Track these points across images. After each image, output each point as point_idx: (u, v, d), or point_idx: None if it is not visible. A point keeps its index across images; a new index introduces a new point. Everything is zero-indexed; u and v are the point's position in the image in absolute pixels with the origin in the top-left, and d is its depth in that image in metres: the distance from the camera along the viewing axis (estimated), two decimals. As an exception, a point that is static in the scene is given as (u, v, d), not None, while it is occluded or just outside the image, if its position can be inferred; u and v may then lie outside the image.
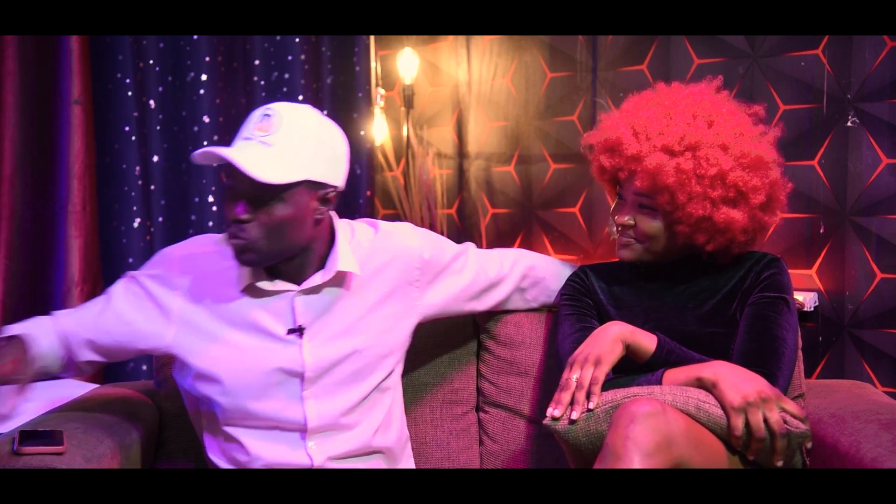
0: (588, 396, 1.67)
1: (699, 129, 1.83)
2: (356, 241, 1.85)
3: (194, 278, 1.80)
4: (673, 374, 1.73)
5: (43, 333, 1.83)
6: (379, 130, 3.47)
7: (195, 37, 3.15)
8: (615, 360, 1.72)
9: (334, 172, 1.74)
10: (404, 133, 3.40)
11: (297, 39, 3.30)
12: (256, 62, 3.27)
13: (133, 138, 3.05)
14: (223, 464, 1.86)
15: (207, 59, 3.17)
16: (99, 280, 2.99)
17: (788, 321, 1.82)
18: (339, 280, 1.82)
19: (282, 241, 1.72)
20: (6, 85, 2.87)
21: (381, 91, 3.48)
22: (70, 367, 1.86)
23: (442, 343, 2.14)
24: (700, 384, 1.69)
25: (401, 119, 3.43)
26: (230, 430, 1.82)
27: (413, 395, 2.10)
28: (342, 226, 1.85)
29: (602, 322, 1.89)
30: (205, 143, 3.17)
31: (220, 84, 3.21)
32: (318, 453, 1.81)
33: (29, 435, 1.71)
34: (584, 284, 1.99)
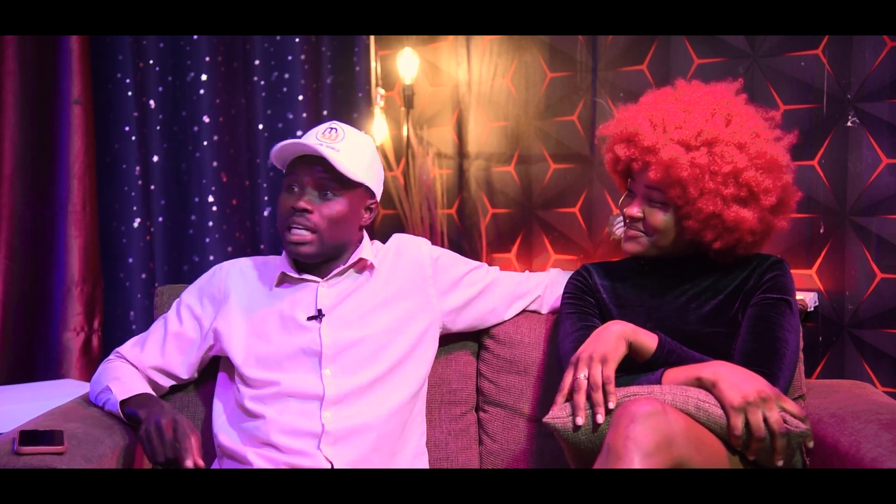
0: (606, 396, 1.67)
1: (717, 126, 1.83)
2: (375, 246, 2.07)
3: (236, 282, 2.02)
4: (673, 374, 1.73)
5: (145, 386, 1.98)
6: (379, 130, 3.47)
7: (195, 37, 3.15)
8: (619, 358, 1.73)
9: (379, 188, 2.00)
10: (404, 133, 3.40)
11: (297, 39, 3.30)
12: (256, 62, 3.27)
13: (133, 138, 3.05)
14: (235, 446, 1.92)
15: (207, 59, 3.17)
16: (99, 280, 2.99)
17: (790, 323, 1.82)
18: (360, 272, 2.01)
19: (336, 235, 1.94)
20: (6, 85, 2.87)
21: (381, 91, 3.48)
22: None
23: (441, 343, 2.14)
24: (700, 384, 1.69)
25: (401, 119, 3.43)
26: (253, 405, 1.91)
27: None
28: (365, 237, 2.06)
29: (604, 321, 1.89)
30: (204, 143, 3.17)
31: (220, 84, 3.21)
32: (331, 421, 1.89)
33: (29, 435, 1.71)
34: (586, 283, 1.99)
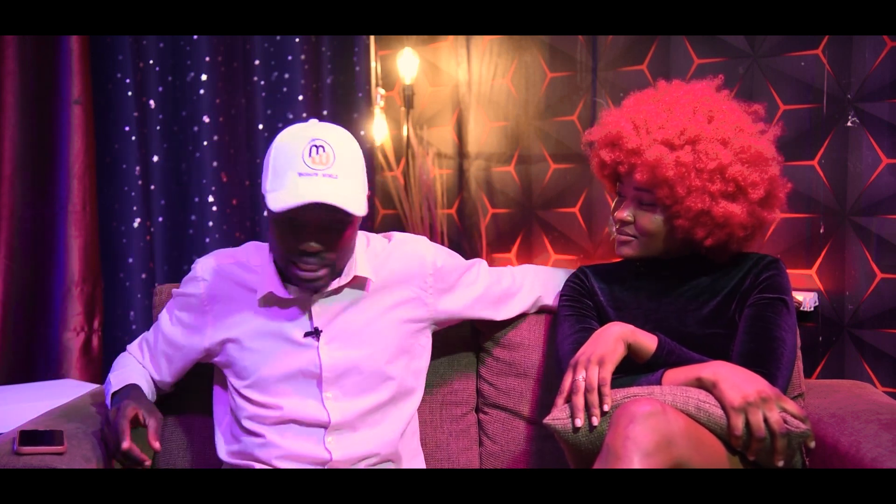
0: (601, 398, 1.67)
1: (699, 124, 1.83)
2: (371, 250, 1.92)
3: (221, 293, 1.90)
4: (673, 375, 1.73)
5: (143, 379, 1.96)
6: (379, 130, 3.47)
7: (195, 37, 3.15)
8: (618, 360, 1.72)
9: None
10: (404, 133, 3.40)
11: (297, 39, 3.30)
12: (256, 62, 3.27)
13: (133, 138, 3.05)
14: (239, 460, 1.90)
15: (207, 59, 3.17)
16: (99, 280, 2.99)
17: (787, 322, 1.82)
18: (355, 285, 1.88)
19: (346, 257, 1.83)
20: (6, 85, 2.87)
21: (381, 91, 3.48)
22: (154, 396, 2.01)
23: (441, 345, 2.14)
24: (700, 384, 1.69)
25: (401, 119, 3.43)
26: (252, 425, 1.87)
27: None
28: (359, 236, 1.91)
29: (602, 323, 1.89)
30: (204, 143, 3.17)
31: (220, 84, 3.21)
32: (337, 448, 1.85)
33: (29, 435, 1.71)
34: (583, 285, 1.99)
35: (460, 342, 2.16)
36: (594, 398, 1.67)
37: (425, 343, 1.98)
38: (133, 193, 3.06)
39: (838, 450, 1.77)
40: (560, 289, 2.06)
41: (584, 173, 3.12)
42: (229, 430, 1.93)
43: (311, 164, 1.71)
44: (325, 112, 3.38)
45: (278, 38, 3.29)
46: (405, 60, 3.35)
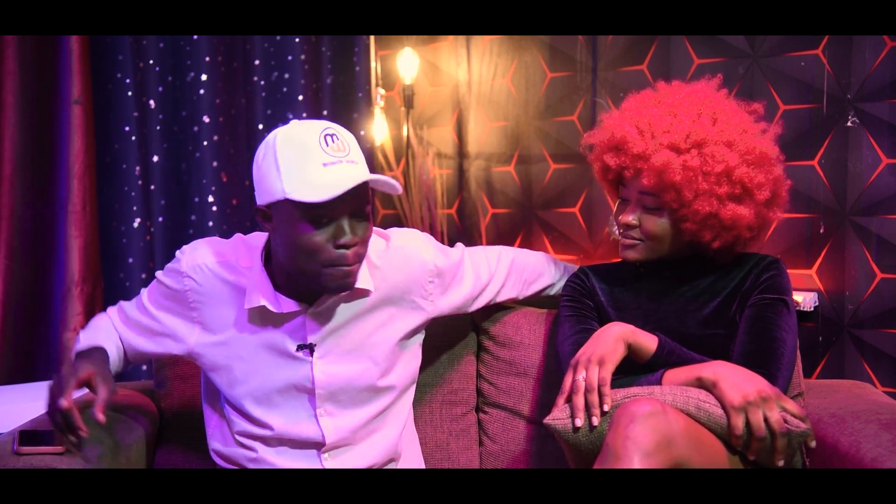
0: (601, 398, 1.67)
1: (704, 127, 1.83)
2: (371, 257, 1.82)
3: (207, 293, 1.80)
4: (673, 375, 1.73)
5: (113, 344, 1.86)
6: (379, 130, 3.47)
7: (195, 37, 3.15)
8: (618, 360, 1.72)
9: None
10: (404, 133, 3.40)
11: (297, 39, 3.30)
12: (256, 62, 3.27)
13: (133, 138, 3.05)
14: (231, 462, 1.88)
15: (207, 59, 3.17)
16: (99, 280, 3.00)
17: (788, 323, 1.82)
18: (350, 296, 1.79)
19: (366, 251, 1.74)
20: (6, 85, 2.87)
21: (381, 91, 3.48)
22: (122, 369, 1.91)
23: (441, 344, 2.14)
24: (700, 384, 1.69)
25: (401, 119, 3.43)
26: (245, 439, 1.84)
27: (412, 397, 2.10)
28: None
29: (602, 323, 1.89)
30: (204, 143, 3.17)
31: (220, 84, 3.21)
32: (335, 465, 1.82)
33: (29, 435, 1.71)
34: (584, 286, 1.99)
35: (460, 341, 2.16)
36: (594, 398, 1.67)
37: (420, 341, 1.95)
38: (133, 193, 3.06)
39: (838, 450, 1.77)
40: (539, 263, 2.07)
41: (584, 173, 3.12)
42: (220, 432, 1.89)
43: (335, 153, 1.63)
44: (325, 112, 3.38)
45: (278, 38, 3.29)
46: (405, 60, 3.35)
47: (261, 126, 3.27)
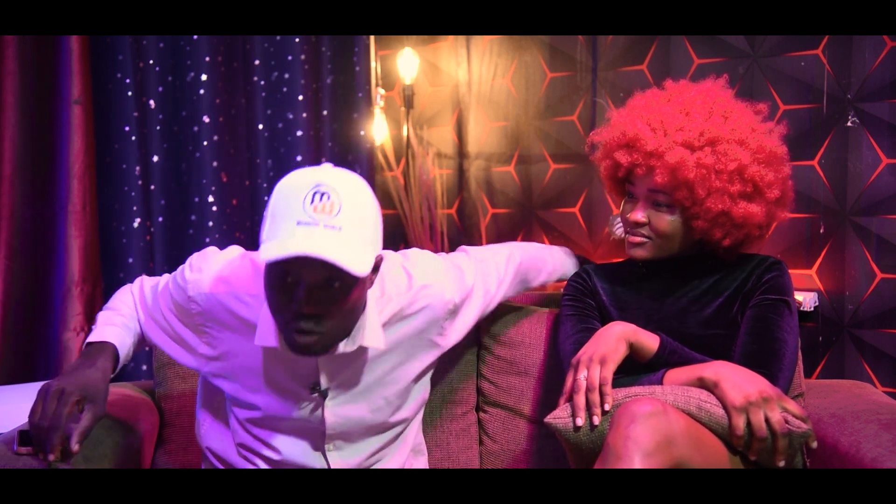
0: (602, 398, 1.67)
1: (717, 124, 1.83)
2: (386, 298, 1.75)
3: (217, 321, 1.73)
4: (674, 374, 1.73)
5: (130, 333, 1.79)
6: (379, 130, 3.46)
7: (195, 37, 3.15)
8: (620, 359, 1.73)
9: (381, 242, 1.63)
10: (404, 133, 3.39)
11: (297, 39, 3.30)
12: (256, 62, 3.27)
13: (133, 138, 3.05)
14: (227, 459, 1.87)
15: (207, 59, 3.17)
16: (99, 280, 2.99)
17: (789, 323, 1.82)
18: (361, 350, 1.73)
19: (351, 323, 1.64)
20: (6, 85, 2.87)
21: (381, 91, 3.48)
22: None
23: (442, 343, 2.14)
24: (702, 384, 1.69)
25: (401, 119, 3.43)
26: (247, 453, 1.82)
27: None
28: (374, 286, 1.72)
29: (604, 323, 1.89)
30: (204, 143, 3.17)
31: (220, 84, 3.21)
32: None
33: (29, 435, 1.71)
34: (586, 285, 1.99)
35: (461, 340, 2.15)
36: (595, 397, 1.67)
37: (431, 372, 1.91)
38: (133, 193, 3.05)
39: (838, 450, 1.77)
40: (540, 255, 2.07)
41: (584, 173, 3.12)
42: (217, 435, 1.86)
43: (312, 213, 1.49)
44: (325, 112, 3.38)
45: (278, 38, 3.29)
46: (405, 60, 3.35)
47: (261, 126, 3.26)
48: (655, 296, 1.93)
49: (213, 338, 1.75)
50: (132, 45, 3.04)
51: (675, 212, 1.86)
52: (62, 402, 1.58)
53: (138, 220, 3.06)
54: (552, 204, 3.22)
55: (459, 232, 3.42)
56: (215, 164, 3.20)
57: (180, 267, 1.79)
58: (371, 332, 1.69)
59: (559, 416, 1.70)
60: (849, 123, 2.63)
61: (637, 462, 1.51)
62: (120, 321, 1.80)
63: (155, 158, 3.13)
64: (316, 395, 1.73)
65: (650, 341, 1.76)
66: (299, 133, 3.25)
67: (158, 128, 3.13)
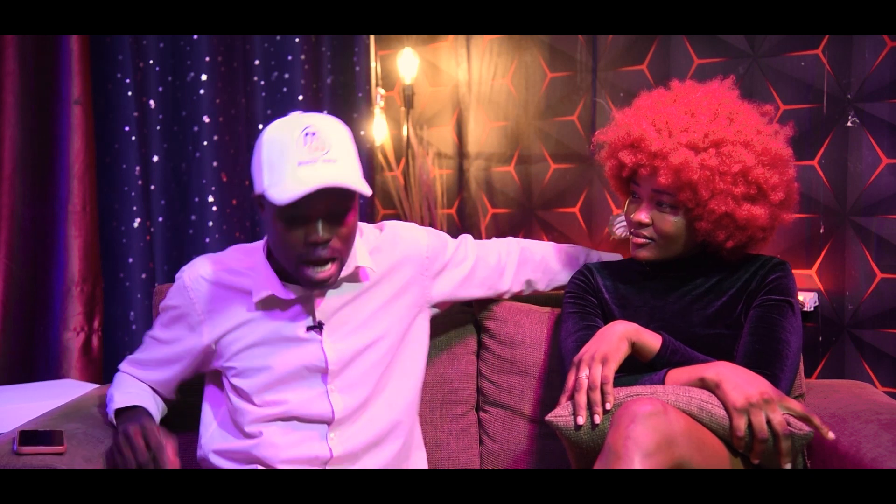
0: (603, 397, 1.67)
1: (722, 126, 1.83)
2: (367, 240, 1.92)
3: (213, 300, 1.87)
4: (676, 374, 1.73)
5: (149, 396, 1.93)
6: (379, 130, 3.46)
7: (195, 37, 3.15)
8: (622, 358, 1.73)
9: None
10: (404, 133, 3.40)
11: (297, 39, 3.30)
12: (256, 62, 3.27)
13: (133, 138, 3.05)
14: (227, 463, 1.89)
15: (207, 59, 3.17)
16: (99, 280, 2.99)
17: (792, 324, 1.82)
18: (355, 277, 1.88)
19: (350, 249, 1.79)
20: (6, 85, 2.87)
21: (381, 91, 3.48)
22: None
23: (441, 342, 2.14)
24: (703, 384, 1.69)
25: (401, 119, 3.43)
26: (252, 427, 1.86)
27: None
28: None
29: (606, 321, 1.89)
30: (204, 143, 3.17)
31: (220, 84, 3.21)
32: (338, 444, 1.86)
33: (29, 435, 1.71)
34: (588, 283, 1.99)
35: (461, 339, 2.16)
36: (596, 396, 1.67)
37: (424, 327, 2.00)
38: (133, 193, 3.05)
39: (838, 450, 1.77)
40: (545, 264, 2.08)
41: (584, 173, 3.12)
42: (222, 430, 1.92)
43: (309, 152, 1.68)
44: (325, 112, 3.38)
45: (278, 38, 3.29)
46: (405, 60, 3.35)
47: (261, 126, 3.26)
48: (658, 294, 1.93)
49: (213, 322, 1.87)
50: (132, 45, 3.04)
51: (678, 213, 1.85)
52: (134, 438, 1.71)
53: (138, 220, 3.06)
54: (552, 204, 3.22)
55: (459, 232, 3.42)
56: (215, 164, 3.20)
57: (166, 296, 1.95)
58: (362, 255, 1.86)
59: (560, 415, 1.70)
60: (849, 123, 2.63)
61: (637, 462, 1.51)
62: (133, 389, 1.92)
63: (155, 158, 3.13)
64: (313, 331, 1.84)
65: (652, 341, 1.76)
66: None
67: (158, 128, 3.13)
